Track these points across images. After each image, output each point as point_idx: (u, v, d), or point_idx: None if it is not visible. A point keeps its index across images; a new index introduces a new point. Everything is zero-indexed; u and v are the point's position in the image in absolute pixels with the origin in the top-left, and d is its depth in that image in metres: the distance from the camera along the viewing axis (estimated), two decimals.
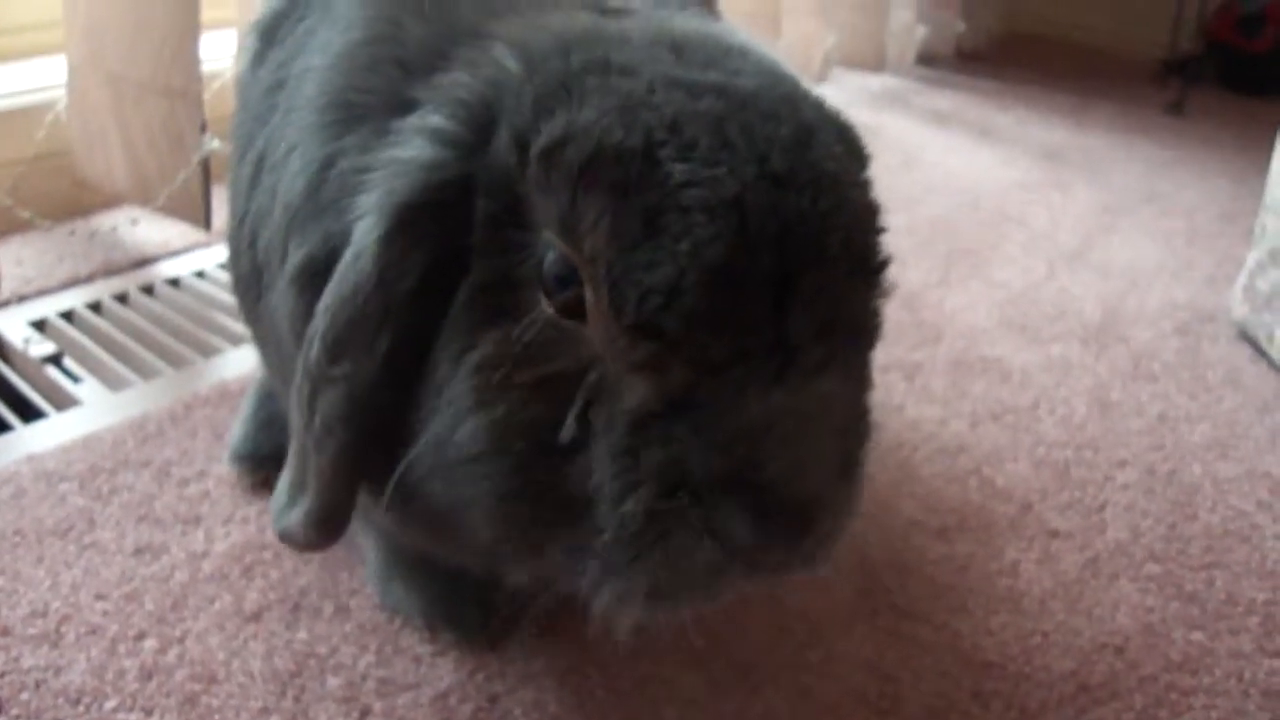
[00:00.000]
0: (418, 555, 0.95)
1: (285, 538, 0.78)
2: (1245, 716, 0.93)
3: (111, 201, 1.72)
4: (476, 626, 0.95)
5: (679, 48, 0.64)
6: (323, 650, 0.94)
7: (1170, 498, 1.21)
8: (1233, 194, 2.09)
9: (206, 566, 1.01)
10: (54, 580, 0.99)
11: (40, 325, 1.42)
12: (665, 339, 0.58)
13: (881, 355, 1.43)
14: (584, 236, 0.58)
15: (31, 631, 0.93)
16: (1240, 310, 1.54)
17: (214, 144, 1.51)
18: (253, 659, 0.92)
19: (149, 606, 0.97)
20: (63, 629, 0.94)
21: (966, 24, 2.90)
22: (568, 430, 0.61)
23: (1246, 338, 1.54)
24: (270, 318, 0.80)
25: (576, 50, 0.63)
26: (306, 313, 0.70)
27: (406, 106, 0.68)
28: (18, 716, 0.86)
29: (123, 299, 1.50)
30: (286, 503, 0.77)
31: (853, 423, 0.64)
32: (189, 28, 1.48)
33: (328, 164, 0.71)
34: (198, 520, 1.07)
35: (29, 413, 1.26)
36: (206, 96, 1.53)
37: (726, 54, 0.65)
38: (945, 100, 2.61)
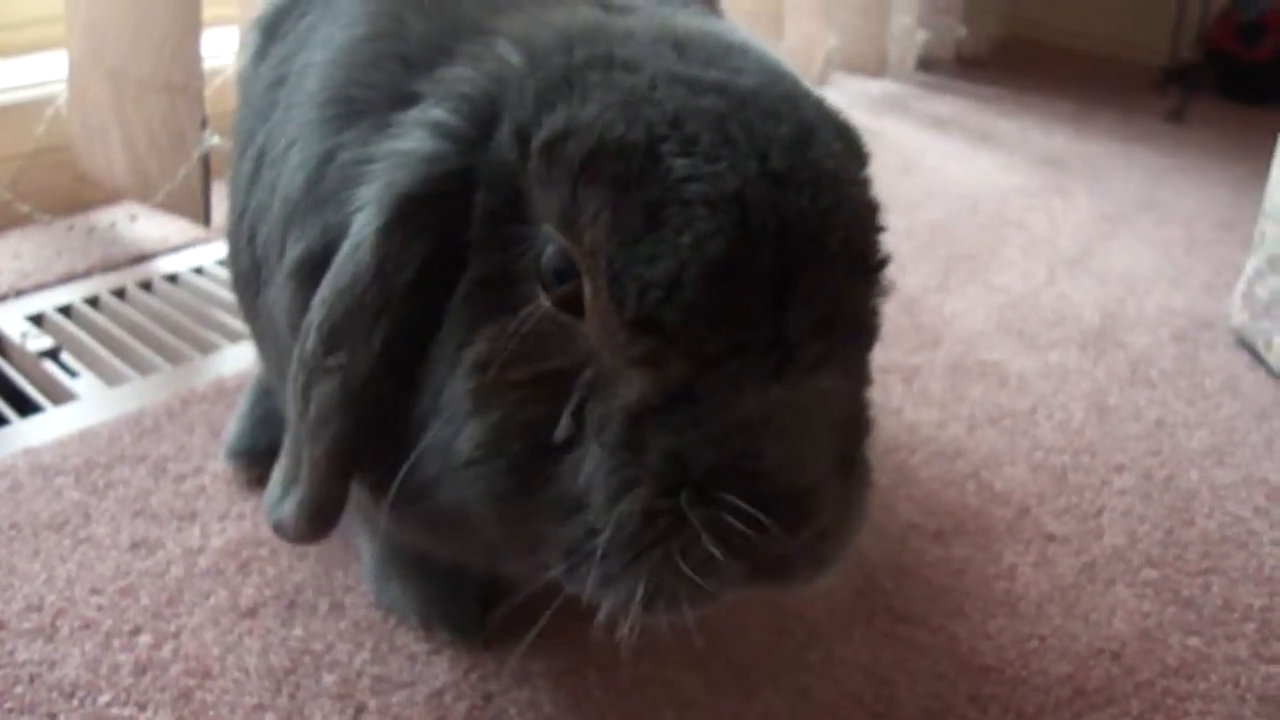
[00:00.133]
0: (414, 554, 0.95)
1: (278, 530, 0.78)
2: None
3: (111, 197, 1.71)
4: (472, 625, 0.95)
5: (681, 45, 0.64)
6: (318, 647, 0.93)
7: (1167, 503, 1.21)
8: (1232, 202, 2.10)
9: (202, 562, 1.01)
10: (49, 574, 0.99)
11: (38, 320, 1.42)
12: (664, 333, 0.58)
13: (880, 358, 1.43)
14: (584, 230, 0.58)
15: (26, 625, 0.93)
16: (1239, 317, 1.54)
17: (214, 140, 1.50)
18: (248, 655, 0.92)
19: (144, 601, 0.96)
20: (58, 623, 0.94)
21: (967, 29, 2.90)
22: (563, 429, 0.61)
23: (1244, 344, 1.54)
24: (268, 313, 0.80)
25: (579, 46, 0.64)
26: (304, 307, 0.70)
27: (408, 101, 0.68)
28: (11, 710, 0.85)
29: (121, 294, 1.50)
30: (280, 495, 0.77)
31: (851, 419, 0.64)
32: (190, 24, 1.47)
33: (328, 158, 0.71)
34: (193, 516, 1.07)
35: (25, 407, 1.26)
36: (207, 93, 1.53)
37: (728, 52, 0.65)
38: (945, 105, 2.62)
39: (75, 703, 0.86)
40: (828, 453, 0.60)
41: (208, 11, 1.49)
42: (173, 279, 1.55)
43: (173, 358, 1.35)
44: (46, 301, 1.46)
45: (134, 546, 1.03)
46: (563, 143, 0.59)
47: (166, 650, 0.92)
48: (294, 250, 0.71)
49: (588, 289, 0.59)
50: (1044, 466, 1.26)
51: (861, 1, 2.63)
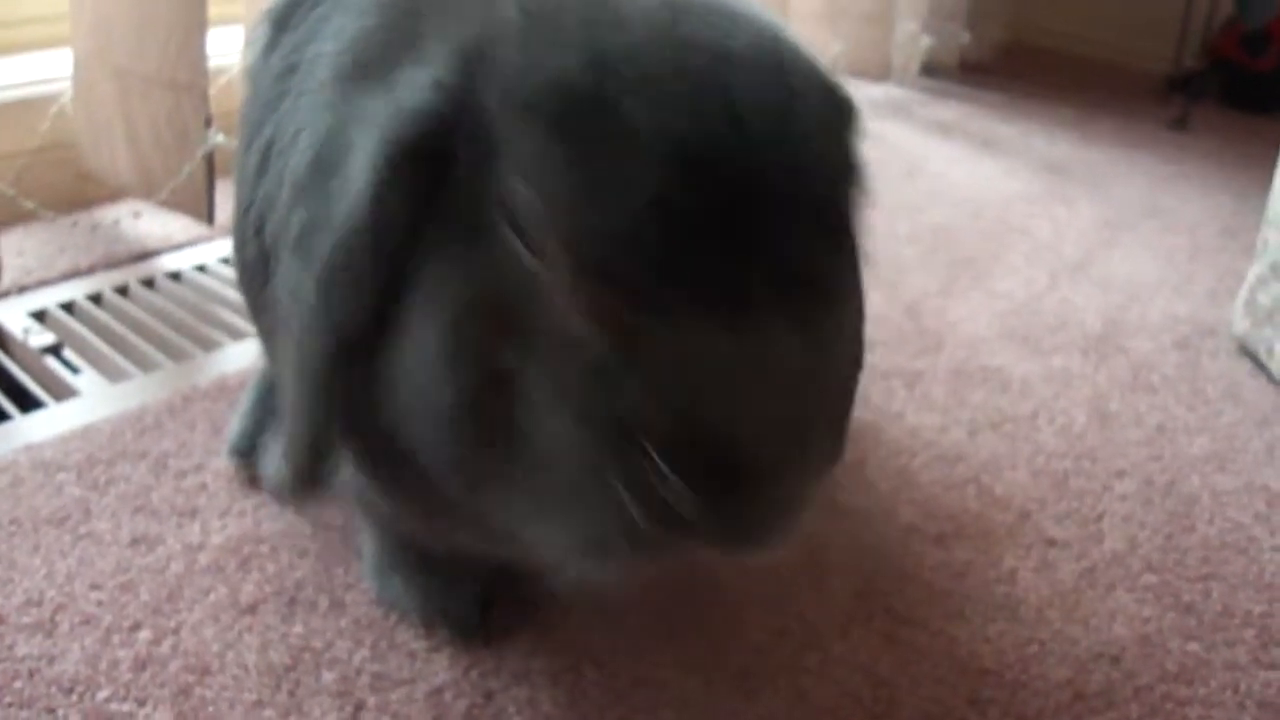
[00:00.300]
0: (416, 550, 0.95)
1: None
2: None
3: (115, 194, 1.72)
4: (472, 623, 0.95)
5: (678, 7, 0.63)
6: (318, 644, 0.93)
7: (1168, 509, 1.21)
8: (1235, 210, 2.10)
9: (202, 559, 1.01)
10: (49, 569, 0.99)
11: (40, 316, 1.42)
12: (615, 283, 0.57)
13: (882, 362, 1.44)
14: (549, 181, 0.59)
15: (26, 620, 0.93)
16: (1241, 325, 1.54)
17: (219, 139, 1.51)
18: (247, 652, 0.92)
19: (144, 597, 0.97)
20: (57, 618, 0.94)
21: (971, 35, 2.90)
22: (520, 378, 0.61)
23: (1247, 352, 1.54)
24: (275, 306, 0.80)
25: (578, 5, 0.63)
26: None
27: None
28: (10, 704, 0.85)
29: (123, 291, 1.50)
30: (275, 455, 0.77)
31: (812, 383, 0.62)
32: (196, 22, 1.48)
33: (333, 134, 0.71)
34: (194, 513, 1.07)
35: (27, 403, 1.26)
36: (212, 91, 1.53)
37: (725, 17, 0.64)
38: (949, 111, 2.62)
39: (74, 698, 0.86)
40: (782, 415, 0.59)
41: (213, 10, 1.49)
42: (175, 276, 1.55)
43: (175, 355, 1.35)
44: (49, 298, 1.46)
45: (134, 542, 1.03)
46: (538, 96, 0.59)
47: (166, 646, 0.92)
48: (297, 224, 0.72)
49: (551, 240, 0.59)
50: (1045, 471, 1.26)
51: (866, 7, 2.63)
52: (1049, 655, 0.99)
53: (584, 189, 0.58)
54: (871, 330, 1.46)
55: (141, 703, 0.86)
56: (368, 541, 1.00)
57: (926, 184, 2.12)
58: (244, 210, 0.85)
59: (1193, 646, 1.01)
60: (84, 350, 1.35)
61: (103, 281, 1.51)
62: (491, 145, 0.63)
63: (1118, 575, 1.10)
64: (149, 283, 1.53)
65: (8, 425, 1.19)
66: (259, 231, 0.81)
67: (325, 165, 0.71)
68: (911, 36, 2.75)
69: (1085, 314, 1.64)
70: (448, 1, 0.72)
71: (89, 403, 1.23)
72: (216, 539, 1.04)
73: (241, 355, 1.34)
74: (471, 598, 0.95)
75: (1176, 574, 1.11)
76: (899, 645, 0.99)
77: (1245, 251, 1.76)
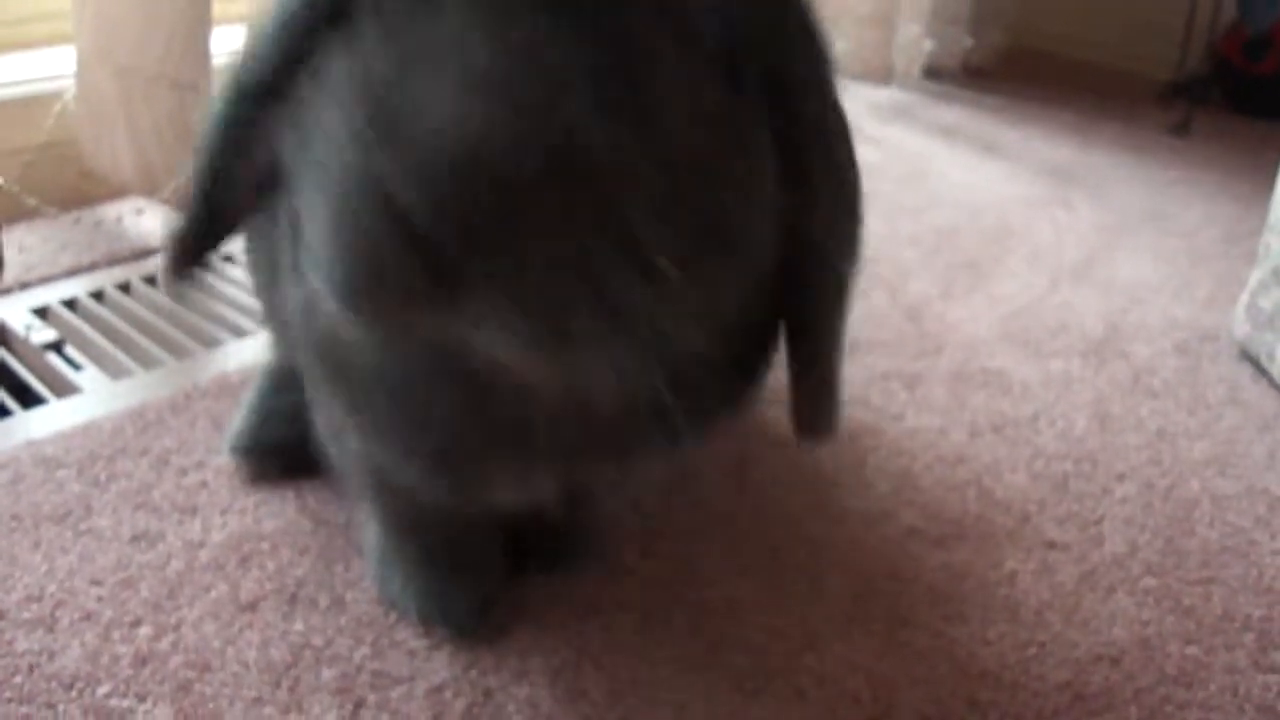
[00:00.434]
0: (418, 544, 0.95)
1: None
2: None
3: (117, 192, 1.72)
4: (472, 621, 0.95)
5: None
6: (318, 642, 0.93)
7: (1168, 513, 1.21)
8: (1236, 215, 2.10)
9: (203, 555, 1.01)
10: (50, 565, 0.99)
11: (42, 312, 1.42)
12: None
13: (883, 364, 1.44)
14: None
15: (26, 616, 0.93)
16: (1242, 329, 1.54)
17: None
18: (247, 649, 0.92)
19: (144, 594, 0.97)
20: (57, 614, 0.94)
21: (974, 39, 2.90)
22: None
23: (1247, 357, 1.54)
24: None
25: None
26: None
27: None
28: (10, 700, 0.85)
29: (125, 289, 1.50)
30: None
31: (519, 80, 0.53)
32: (200, 21, 1.48)
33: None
34: (195, 510, 1.07)
35: (29, 399, 1.26)
36: (215, 91, 1.53)
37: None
38: (951, 114, 2.62)
39: (74, 694, 0.86)
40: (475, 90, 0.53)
41: (217, 9, 1.49)
42: None
43: (176, 352, 1.35)
44: (51, 294, 1.46)
45: (135, 539, 1.03)
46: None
47: (166, 643, 0.92)
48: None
49: None
50: (1045, 474, 1.26)
51: (868, 10, 2.63)
52: (1049, 657, 0.99)
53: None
54: (872, 332, 1.47)
55: (141, 699, 0.86)
56: (371, 535, 1.00)
57: (928, 187, 2.12)
58: None
59: (1192, 650, 1.02)
60: (86, 347, 1.35)
61: (105, 278, 1.51)
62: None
63: (1118, 578, 1.10)
64: (151, 280, 1.53)
65: (9, 421, 1.20)
66: None
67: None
68: (914, 40, 2.75)
69: (1086, 318, 1.64)
70: None
71: (90, 399, 1.24)
72: (217, 536, 1.04)
73: (242, 353, 1.34)
74: (472, 596, 0.95)
75: (1176, 577, 1.11)
76: (898, 647, 0.99)
77: (1246, 256, 1.76)
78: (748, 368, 0.79)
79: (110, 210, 1.71)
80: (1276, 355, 1.47)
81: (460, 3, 0.55)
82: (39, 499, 1.06)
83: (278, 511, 1.08)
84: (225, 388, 1.26)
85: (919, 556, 1.11)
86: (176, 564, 1.00)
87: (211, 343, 1.38)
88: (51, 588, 0.96)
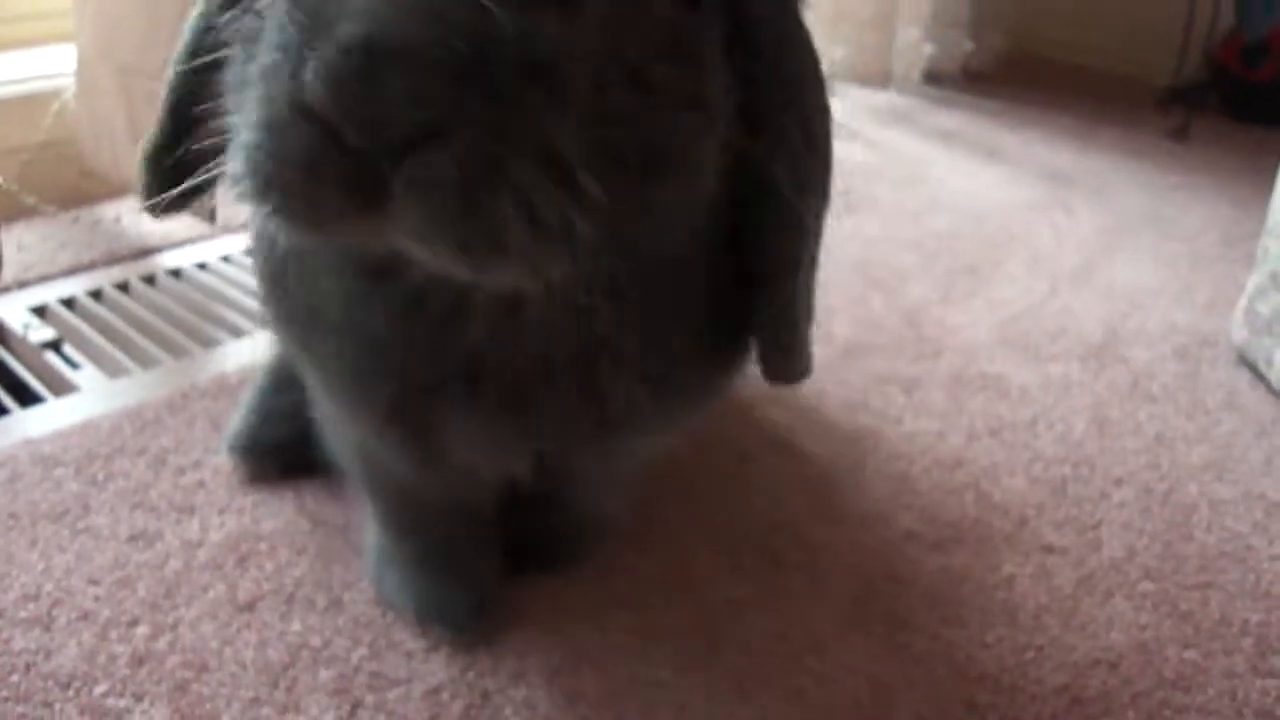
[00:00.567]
0: (416, 543, 0.95)
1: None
2: None
3: (116, 191, 1.71)
4: (469, 623, 0.95)
5: None
6: (315, 642, 0.93)
7: (1166, 517, 1.21)
8: (1235, 220, 2.10)
9: (201, 555, 1.01)
10: (47, 564, 0.99)
11: (41, 311, 1.42)
12: None
13: (881, 368, 1.44)
14: None
15: (23, 615, 0.93)
16: (1240, 334, 1.55)
17: None
18: (245, 649, 0.92)
19: (142, 593, 0.96)
20: (54, 613, 0.94)
21: (973, 43, 2.91)
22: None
23: (1246, 362, 1.54)
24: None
25: None
26: None
27: None
28: (7, 699, 0.85)
29: (124, 288, 1.50)
30: None
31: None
32: None
33: None
34: (193, 509, 1.07)
35: (27, 397, 1.26)
36: None
37: None
38: (951, 118, 2.62)
39: (71, 693, 0.86)
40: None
41: None
42: (176, 274, 1.55)
43: (175, 352, 1.35)
44: (50, 293, 1.46)
45: (133, 538, 1.03)
46: None
47: (163, 642, 0.92)
48: None
49: None
50: (1043, 478, 1.26)
51: (868, 14, 2.63)
52: (1046, 661, 0.99)
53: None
54: (871, 336, 1.47)
55: (139, 698, 0.86)
56: (370, 534, 1.00)
57: (927, 191, 2.12)
58: None
59: (1190, 654, 1.02)
60: (84, 346, 1.35)
61: (103, 278, 1.51)
62: None
63: (1116, 582, 1.10)
64: (150, 279, 1.53)
65: (7, 420, 1.19)
66: None
67: None
68: (913, 44, 2.75)
69: (1085, 322, 1.64)
70: None
71: (88, 398, 1.23)
72: (215, 536, 1.04)
73: (241, 353, 1.34)
74: (469, 597, 0.95)
75: (1174, 582, 1.11)
76: (897, 650, 0.99)
77: (1245, 262, 1.76)
78: (724, 337, 0.78)
79: (109, 209, 1.70)
80: (1274, 360, 1.47)
81: None
82: (36, 498, 1.06)
83: (276, 511, 1.07)
84: (223, 387, 1.26)
85: (917, 559, 1.11)
86: (174, 564, 1.00)
87: (210, 342, 1.38)
88: (49, 586, 0.96)
